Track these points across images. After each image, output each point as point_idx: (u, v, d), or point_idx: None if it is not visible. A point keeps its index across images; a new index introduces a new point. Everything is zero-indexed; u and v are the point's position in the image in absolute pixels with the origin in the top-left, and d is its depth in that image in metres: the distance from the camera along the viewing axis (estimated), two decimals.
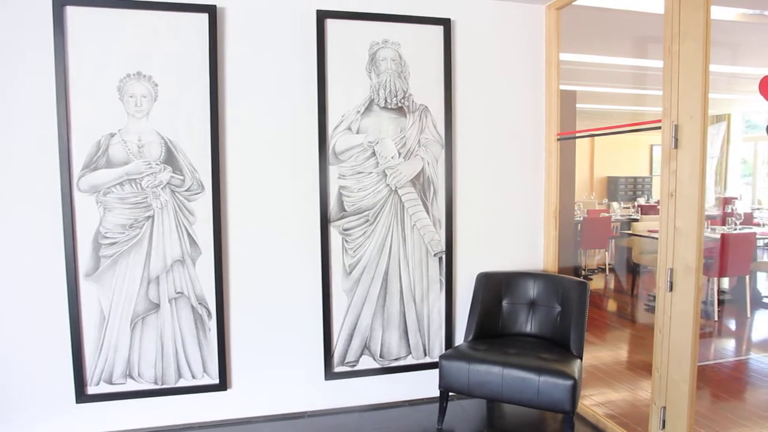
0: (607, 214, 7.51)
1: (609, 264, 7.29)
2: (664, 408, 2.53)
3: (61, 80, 2.72)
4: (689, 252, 2.37)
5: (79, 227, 2.82)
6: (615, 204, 8.81)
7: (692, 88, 2.32)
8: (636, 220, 7.05)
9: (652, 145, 11.07)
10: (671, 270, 2.46)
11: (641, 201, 9.54)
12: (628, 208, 8.46)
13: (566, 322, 3.07)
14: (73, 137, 2.78)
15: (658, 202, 9.83)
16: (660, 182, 2.52)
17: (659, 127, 2.54)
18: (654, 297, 5.90)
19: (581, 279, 3.20)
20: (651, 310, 5.73)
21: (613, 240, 7.27)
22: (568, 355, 2.89)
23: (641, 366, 4.10)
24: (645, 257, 6.06)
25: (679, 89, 2.39)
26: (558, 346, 3.05)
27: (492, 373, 2.80)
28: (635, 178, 10.93)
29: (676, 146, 2.41)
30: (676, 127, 2.40)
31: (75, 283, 2.83)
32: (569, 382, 2.63)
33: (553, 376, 2.67)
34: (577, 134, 3.49)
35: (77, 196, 2.81)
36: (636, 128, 2.79)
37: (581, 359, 2.90)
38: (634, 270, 6.41)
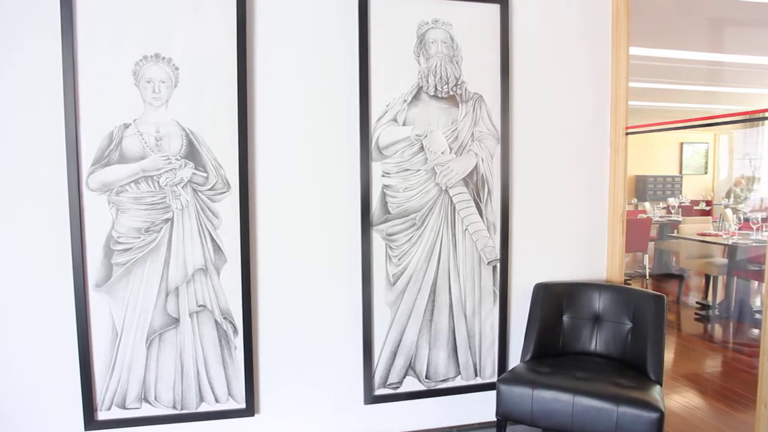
0: (645, 215, 7.09)
1: (649, 268, 6.88)
2: None
3: (68, 63, 2.38)
4: None
5: (89, 231, 2.48)
6: (647, 204, 8.39)
7: None
8: (679, 222, 6.63)
9: (682, 143, 10.69)
10: None
11: (672, 201, 9.12)
12: (665, 208, 8.03)
13: (640, 341, 2.69)
14: (82, 128, 2.43)
15: (692, 202, 9.45)
16: None
17: (766, 118, 2.16)
18: (702, 305, 5.56)
19: (657, 292, 2.82)
20: (701, 318, 5.35)
21: (653, 243, 6.86)
22: (646, 381, 2.51)
23: (696, 380, 3.73)
24: (695, 262, 5.65)
25: None
26: (631, 368, 2.67)
27: (560, 402, 2.42)
28: (665, 177, 10.55)
29: None
30: None
31: (84, 294, 2.49)
32: (655, 415, 2.25)
33: (635, 407, 2.29)
34: (650, 128, 3.11)
35: (86, 195, 2.46)
36: (735, 119, 2.41)
37: (661, 385, 2.53)
38: (679, 276, 6.01)
